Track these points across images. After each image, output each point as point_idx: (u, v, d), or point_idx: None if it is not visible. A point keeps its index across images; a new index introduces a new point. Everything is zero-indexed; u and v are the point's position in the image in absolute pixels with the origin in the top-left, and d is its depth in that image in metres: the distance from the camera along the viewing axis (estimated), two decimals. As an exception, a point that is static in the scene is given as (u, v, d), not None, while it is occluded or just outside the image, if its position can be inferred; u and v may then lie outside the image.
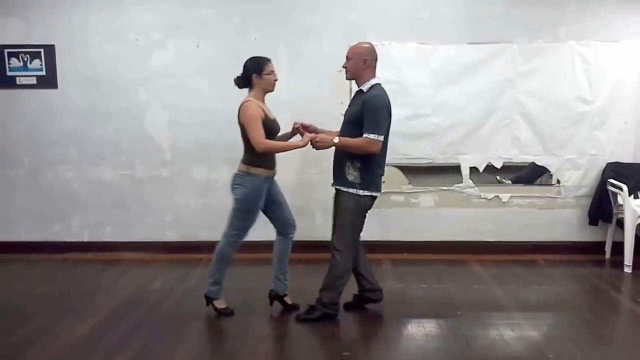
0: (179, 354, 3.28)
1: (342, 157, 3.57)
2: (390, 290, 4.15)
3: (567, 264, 4.93)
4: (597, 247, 5.11)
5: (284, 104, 4.89)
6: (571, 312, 3.95)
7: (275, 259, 3.88)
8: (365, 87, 3.54)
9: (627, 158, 5.05)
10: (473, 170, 5.14)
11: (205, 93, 5.05)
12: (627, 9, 4.92)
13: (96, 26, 5.02)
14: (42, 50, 5.05)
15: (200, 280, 4.51)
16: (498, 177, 5.35)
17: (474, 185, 5.14)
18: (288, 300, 3.93)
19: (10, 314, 3.87)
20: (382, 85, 3.56)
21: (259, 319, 3.77)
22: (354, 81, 3.65)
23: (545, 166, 5.15)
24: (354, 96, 3.70)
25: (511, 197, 5.17)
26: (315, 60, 4.92)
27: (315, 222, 5.01)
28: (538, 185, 5.35)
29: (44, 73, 5.09)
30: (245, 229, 3.70)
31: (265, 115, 3.57)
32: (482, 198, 5.17)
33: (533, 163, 5.20)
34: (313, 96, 4.86)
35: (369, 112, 3.43)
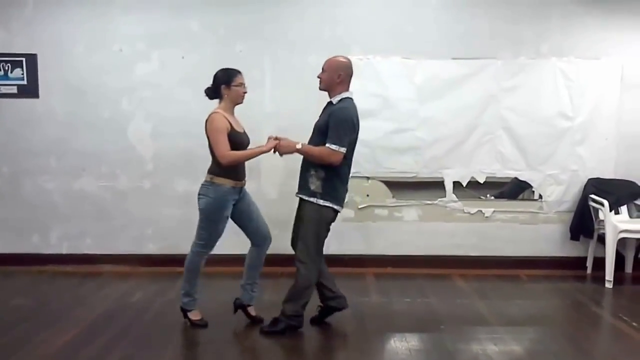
0: (158, 368, 3.22)
1: (308, 166, 3.57)
2: (374, 304, 4.13)
3: (549, 279, 4.94)
4: (578, 262, 5.13)
5: (269, 116, 4.93)
6: (553, 326, 3.96)
7: (245, 268, 3.85)
8: (335, 100, 3.56)
9: (607, 174, 5.11)
10: (456, 184, 5.16)
11: (189, 104, 5.00)
12: (608, 27, 5.00)
13: (80, 36, 4.99)
14: (23, 59, 5.00)
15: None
16: (482, 197, 5.36)
17: (457, 199, 5.16)
18: (252, 311, 3.88)
19: (-15, 327, 3.78)
20: (355, 99, 3.57)
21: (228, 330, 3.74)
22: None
23: (528, 181, 5.19)
24: (325, 107, 3.70)
25: (494, 211, 5.19)
26: (300, 73, 4.92)
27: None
28: (520, 200, 5.38)
29: (25, 82, 5.02)
30: (211, 240, 3.68)
31: (232, 127, 3.57)
32: (465, 212, 5.18)
33: (516, 179, 5.23)
34: (297, 109, 4.84)
35: (333, 123, 3.44)
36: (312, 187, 3.53)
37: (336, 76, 3.53)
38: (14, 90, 5.03)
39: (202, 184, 3.65)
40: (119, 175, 5.12)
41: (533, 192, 5.27)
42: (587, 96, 5.05)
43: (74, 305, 4.19)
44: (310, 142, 3.59)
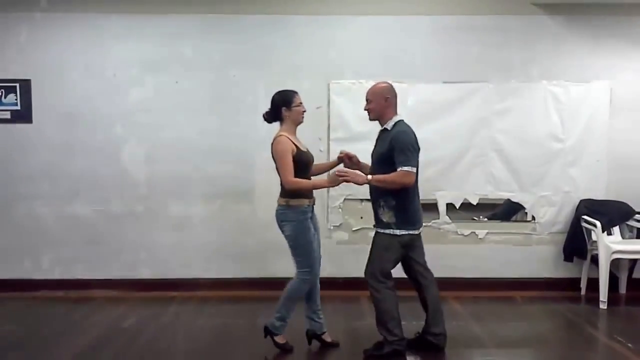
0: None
1: (377, 198, 3.59)
2: (369, 327, 4.09)
3: (543, 300, 4.94)
4: (572, 283, 5.14)
5: (263, 141, 4.90)
6: (548, 348, 3.96)
7: (305, 298, 3.75)
8: (389, 125, 3.58)
9: (599, 195, 5.14)
10: (450, 206, 5.17)
11: (183, 129, 5.04)
12: (596, 51, 5.09)
13: (74, 61, 5.02)
14: (17, 84, 5.02)
15: (175, 318, 4.44)
16: (475, 218, 5.37)
17: (450, 221, 5.17)
18: (327, 337, 3.83)
19: (-25, 354, 3.73)
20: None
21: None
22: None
23: (520, 203, 5.21)
24: (379, 136, 3.71)
25: (487, 233, 5.20)
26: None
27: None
28: (513, 221, 5.40)
29: (18, 107, 5.04)
30: (313, 262, 3.63)
31: (297, 147, 3.58)
32: (458, 234, 5.19)
33: (508, 200, 5.26)
34: (291, 132, 4.87)
35: (399, 146, 3.44)
36: (385, 218, 3.53)
37: (384, 100, 3.56)
38: (8, 115, 5.04)
39: (279, 210, 3.61)
40: (113, 199, 5.11)
41: (526, 213, 5.29)
42: (578, 118, 5.11)
43: (66, 331, 4.15)
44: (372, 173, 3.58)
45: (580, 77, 5.10)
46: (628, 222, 5.08)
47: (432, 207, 5.17)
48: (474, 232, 5.20)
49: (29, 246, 5.11)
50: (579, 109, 5.10)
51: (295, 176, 3.49)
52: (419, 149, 3.56)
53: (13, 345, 3.88)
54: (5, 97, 5.03)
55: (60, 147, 5.06)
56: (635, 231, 5.05)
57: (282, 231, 3.62)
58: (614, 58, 5.11)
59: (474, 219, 5.35)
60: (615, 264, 4.88)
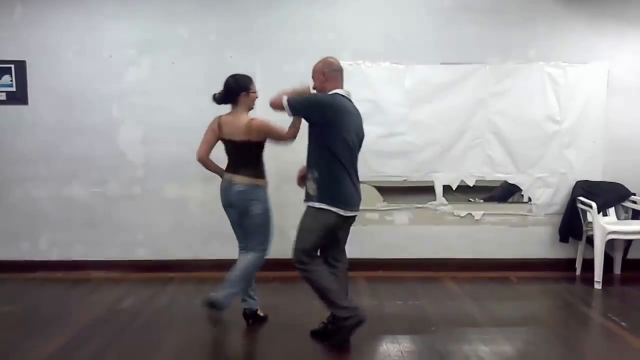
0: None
1: (307, 169, 3.51)
2: (366, 307, 4.11)
3: (539, 281, 4.98)
4: (568, 264, 5.18)
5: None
6: (544, 327, 3.99)
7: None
8: None
9: (595, 176, 5.16)
10: (446, 188, 5.19)
11: (179, 110, 5.02)
12: (594, 32, 5.08)
13: (69, 42, 4.98)
14: (12, 66, 4.98)
15: (172, 298, 4.46)
16: (471, 199, 5.40)
17: (447, 203, 5.19)
18: (261, 313, 3.91)
19: (-26, 334, 3.75)
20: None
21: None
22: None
23: (517, 184, 5.23)
24: None
25: (484, 214, 5.23)
26: (291, 79, 4.90)
27: (290, 239, 4.96)
28: (510, 203, 5.42)
29: (14, 89, 5.00)
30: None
31: None
32: (455, 216, 5.21)
33: (505, 182, 5.27)
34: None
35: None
36: (311, 191, 3.44)
37: (322, 76, 3.52)
38: (3, 97, 5.01)
39: (249, 189, 3.65)
40: (109, 181, 5.10)
41: (522, 195, 5.31)
42: (575, 100, 5.11)
43: (64, 312, 4.17)
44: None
45: (578, 58, 5.09)
46: (623, 204, 5.11)
47: (429, 188, 5.19)
48: (471, 214, 5.22)
49: (27, 228, 5.11)
50: (576, 91, 5.10)
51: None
52: (334, 116, 3.37)
53: (12, 325, 3.89)
54: (0, 79, 5.00)
55: (56, 128, 5.04)
56: (630, 212, 5.09)
57: (249, 210, 3.66)
58: (612, 39, 5.09)
59: (470, 201, 5.38)
60: (610, 244, 4.91)
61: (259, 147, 3.71)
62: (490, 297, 4.58)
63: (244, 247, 3.81)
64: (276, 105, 3.46)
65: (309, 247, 3.42)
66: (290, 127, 3.68)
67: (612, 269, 5.13)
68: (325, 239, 3.46)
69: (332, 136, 3.38)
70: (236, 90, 3.70)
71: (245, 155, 3.69)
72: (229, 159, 3.76)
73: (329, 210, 3.38)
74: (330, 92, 3.49)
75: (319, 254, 3.52)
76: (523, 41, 5.08)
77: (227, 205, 3.74)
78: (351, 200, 3.46)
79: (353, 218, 3.55)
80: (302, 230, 3.45)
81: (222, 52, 5.01)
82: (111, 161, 5.07)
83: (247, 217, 3.69)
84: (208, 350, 3.56)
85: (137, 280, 4.94)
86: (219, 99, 3.74)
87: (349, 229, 3.62)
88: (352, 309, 3.44)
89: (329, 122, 3.38)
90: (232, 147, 3.71)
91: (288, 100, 3.41)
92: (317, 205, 3.39)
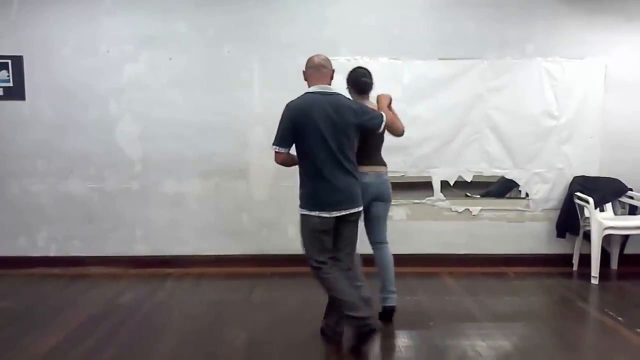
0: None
1: None
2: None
3: (536, 276, 4.99)
4: (565, 259, 5.19)
5: (258, 117, 4.95)
6: (541, 322, 4.01)
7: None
8: None
9: (593, 172, 5.17)
10: (444, 183, 5.20)
11: (177, 105, 5.01)
12: (591, 28, 5.08)
13: (67, 37, 4.97)
14: (9, 61, 4.96)
15: (171, 295, 4.47)
16: (468, 194, 5.41)
17: (445, 198, 5.20)
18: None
19: (-28, 330, 3.75)
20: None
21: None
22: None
23: (514, 180, 5.24)
24: None
25: (481, 210, 5.24)
26: (289, 74, 4.90)
27: (288, 235, 4.99)
28: (507, 198, 5.43)
29: (11, 84, 4.99)
30: None
31: None
32: (453, 211, 5.23)
33: (503, 177, 5.28)
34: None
35: None
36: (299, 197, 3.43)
37: (304, 75, 3.51)
38: (0, 92, 5.00)
39: (388, 181, 3.87)
40: (107, 176, 5.10)
41: (520, 190, 5.32)
42: (572, 95, 5.11)
43: (62, 308, 4.17)
44: None
45: (576, 53, 5.09)
46: (620, 199, 5.12)
47: (427, 184, 5.20)
48: (468, 209, 5.24)
49: (24, 224, 5.11)
50: (573, 86, 5.10)
51: None
52: (297, 123, 3.30)
53: (11, 321, 3.90)
54: (-3, 74, 5.00)
55: (53, 124, 5.03)
56: (627, 207, 5.10)
57: (387, 200, 3.84)
58: (610, 35, 5.09)
59: (468, 196, 5.39)
60: (607, 240, 4.93)
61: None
62: (487, 292, 4.60)
63: (380, 241, 3.92)
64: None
65: (309, 253, 3.42)
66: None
67: (609, 264, 5.14)
68: (319, 242, 3.38)
69: (301, 140, 3.34)
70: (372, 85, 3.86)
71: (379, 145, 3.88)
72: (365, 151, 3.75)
73: (310, 215, 3.35)
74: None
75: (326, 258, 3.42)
76: (521, 37, 5.07)
77: (377, 197, 3.81)
78: (328, 200, 3.33)
79: (348, 217, 3.41)
80: (301, 237, 3.46)
81: (220, 47, 5.00)
82: (109, 157, 5.07)
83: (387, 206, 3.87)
84: (206, 347, 3.57)
85: (135, 276, 4.94)
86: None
87: (349, 228, 3.47)
88: (361, 318, 3.31)
89: (295, 130, 3.32)
90: (374, 139, 3.82)
91: (273, 147, 3.40)
92: (300, 211, 3.40)
